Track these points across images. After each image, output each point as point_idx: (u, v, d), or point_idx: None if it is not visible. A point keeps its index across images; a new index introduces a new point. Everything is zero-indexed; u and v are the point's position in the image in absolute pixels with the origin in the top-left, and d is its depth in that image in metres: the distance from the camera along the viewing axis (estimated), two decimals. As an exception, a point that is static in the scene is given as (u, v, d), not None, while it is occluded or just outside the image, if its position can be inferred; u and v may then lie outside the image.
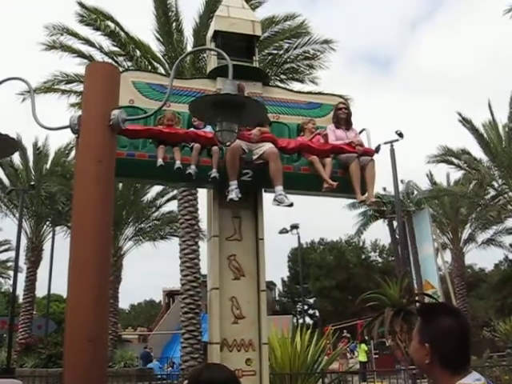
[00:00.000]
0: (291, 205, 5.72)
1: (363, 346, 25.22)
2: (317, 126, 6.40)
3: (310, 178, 6.00)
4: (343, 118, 6.53)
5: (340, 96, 6.84)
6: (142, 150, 5.62)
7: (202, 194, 16.03)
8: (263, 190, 6.07)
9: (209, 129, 5.84)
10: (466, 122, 26.63)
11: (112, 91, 3.35)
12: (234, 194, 5.49)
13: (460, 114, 26.75)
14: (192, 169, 5.58)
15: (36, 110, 3.58)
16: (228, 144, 3.73)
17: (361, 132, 6.65)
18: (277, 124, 6.37)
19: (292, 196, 5.80)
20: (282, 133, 6.35)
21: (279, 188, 5.66)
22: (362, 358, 24.81)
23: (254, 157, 5.75)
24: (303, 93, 6.71)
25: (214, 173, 5.59)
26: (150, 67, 17.51)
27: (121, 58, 17.47)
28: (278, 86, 6.53)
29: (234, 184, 5.54)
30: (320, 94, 6.86)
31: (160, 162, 5.48)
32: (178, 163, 5.54)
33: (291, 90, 6.65)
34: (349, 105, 6.87)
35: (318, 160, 6.03)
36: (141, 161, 5.57)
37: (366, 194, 6.14)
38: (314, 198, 6.51)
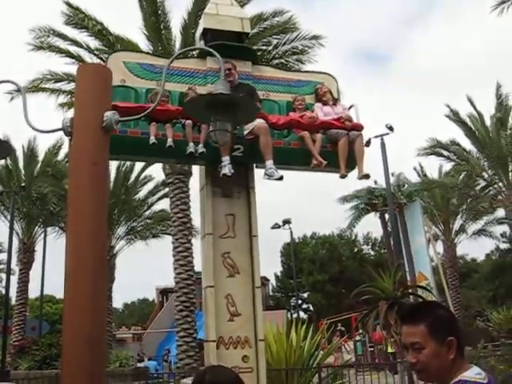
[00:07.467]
0: (281, 178, 5.80)
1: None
2: (306, 104, 6.52)
3: (300, 152, 6.12)
4: (325, 93, 6.62)
5: (327, 73, 6.94)
6: (135, 128, 5.68)
7: (194, 192, 16.01)
8: (255, 165, 6.14)
9: None
10: (453, 115, 26.98)
11: (104, 92, 3.34)
12: (226, 169, 5.55)
13: (449, 106, 27.12)
14: (191, 146, 5.65)
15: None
16: (222, 144, 3.73)
17: (350, 108, 6.77)
18: (267, 101, 6.48)
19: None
20: (272, 110, 6.47)
21: (269, 162, 5.76)
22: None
23: (245, 132, 5.84)
24: (292, 71, 6.87)
25: (200, 148, 5.67)
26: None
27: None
28: (268, 65, 6.67)
29: (226, 160, 5.60)
30: (308, 72, 6.98)
31: (153, 139, 5.55)
32: (169, 141, 5.62)
33: (280, 69, 6.75)
34: (336, 80, 6.96)
35: (309, 135, 6.14)
36: (134, 138, 5.65)
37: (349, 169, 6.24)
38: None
